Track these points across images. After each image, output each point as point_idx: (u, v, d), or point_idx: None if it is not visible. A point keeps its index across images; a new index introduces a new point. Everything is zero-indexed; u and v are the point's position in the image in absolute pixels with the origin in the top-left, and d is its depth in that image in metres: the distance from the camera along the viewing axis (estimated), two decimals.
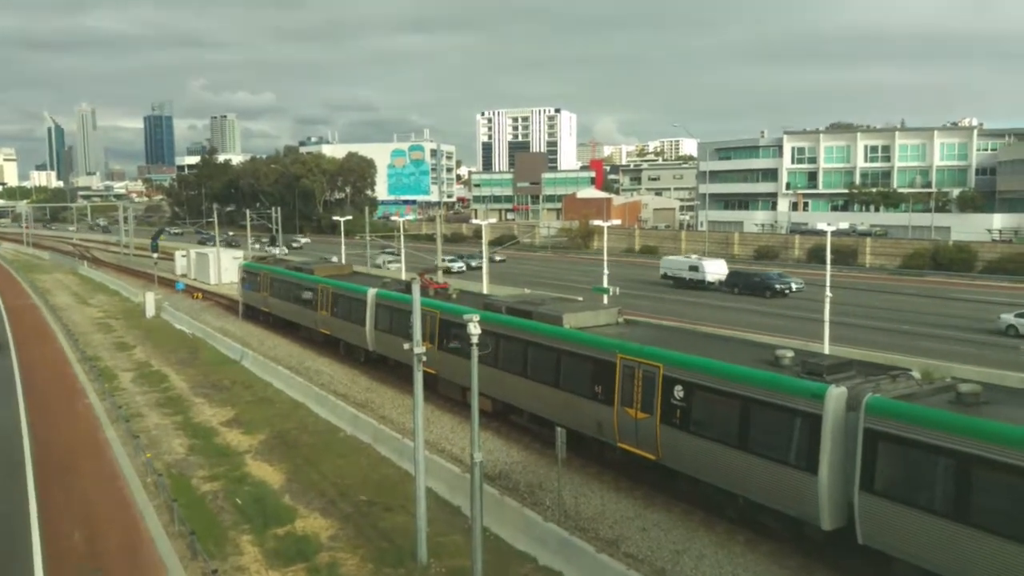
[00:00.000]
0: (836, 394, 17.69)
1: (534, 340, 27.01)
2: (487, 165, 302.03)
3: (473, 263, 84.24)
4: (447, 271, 65.91)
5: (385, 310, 37.36)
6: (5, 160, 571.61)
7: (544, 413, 26.53)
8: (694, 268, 70.16)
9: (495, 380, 27.71)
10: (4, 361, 44.22)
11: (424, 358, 19.06)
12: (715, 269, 69.48)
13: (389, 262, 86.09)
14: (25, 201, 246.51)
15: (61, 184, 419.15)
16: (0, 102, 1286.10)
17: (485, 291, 48.03)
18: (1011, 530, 14.54)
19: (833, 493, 17.47)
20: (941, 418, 16.04)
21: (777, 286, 64.64)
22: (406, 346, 19.41)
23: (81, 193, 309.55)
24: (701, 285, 68.57)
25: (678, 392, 21.21)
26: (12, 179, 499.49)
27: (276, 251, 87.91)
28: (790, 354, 20.42)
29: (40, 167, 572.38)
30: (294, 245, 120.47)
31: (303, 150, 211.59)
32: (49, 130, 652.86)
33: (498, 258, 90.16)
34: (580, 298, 40.02)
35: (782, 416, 18.59)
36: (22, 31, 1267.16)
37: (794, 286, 64.96)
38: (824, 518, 17.59)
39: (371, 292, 38.68)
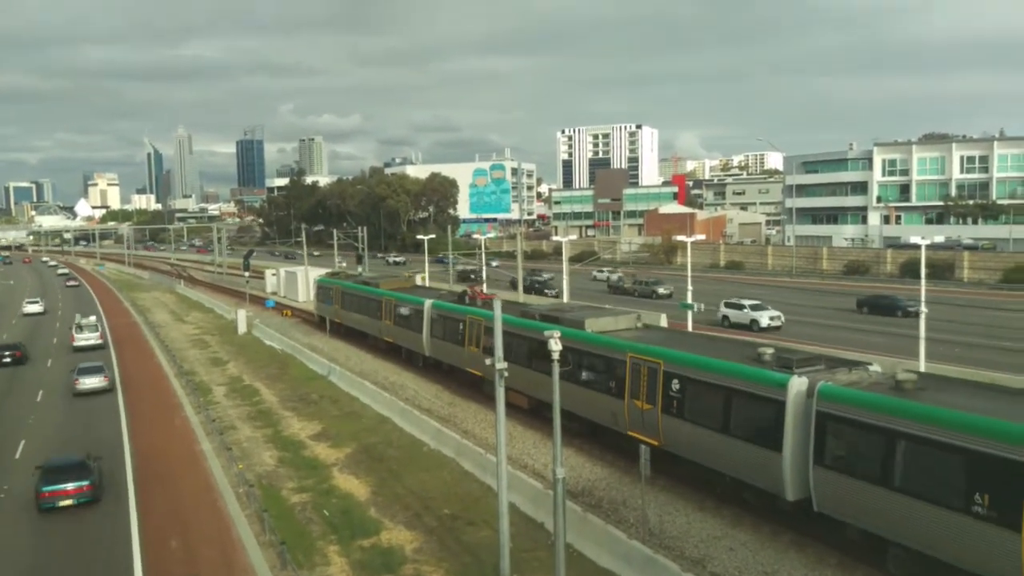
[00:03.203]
0: (797, 383, 20.31)
1: (562, 343, 28.13)
2: (568, 182, 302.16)
3: None
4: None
5: (439, 320, 40.62)
6: (109, 185, 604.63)
7: (571, 408, 28.10)
8: None
9: (530, 380, 30.56)
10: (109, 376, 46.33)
11: (506, 373, 19.06)
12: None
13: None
14: (127, 223, 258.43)
15: (160, 207, 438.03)
16: (105, 130, 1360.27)
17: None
18: (934, 495, 16.65)
19: (795, 468, 20.02)
20: (876, 401, 18.53)
21: None
22: (488, 361, 19.48)
23: (178, 215, 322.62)
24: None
25: (675, 385, 24.07)
26: (115, 202, 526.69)
27: (360, 270, 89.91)
28: (771, 351, 22.69)
29: (140, 191, 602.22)
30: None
31: (388, 171, 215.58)
32: (149, 155, 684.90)
33: None
34: (639, 312, 40.36)
35: (755, 403, 21.31)
36: (123, 63, 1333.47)
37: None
38: (788, 490, 20.20)
39: (428, 303, 42.27)
